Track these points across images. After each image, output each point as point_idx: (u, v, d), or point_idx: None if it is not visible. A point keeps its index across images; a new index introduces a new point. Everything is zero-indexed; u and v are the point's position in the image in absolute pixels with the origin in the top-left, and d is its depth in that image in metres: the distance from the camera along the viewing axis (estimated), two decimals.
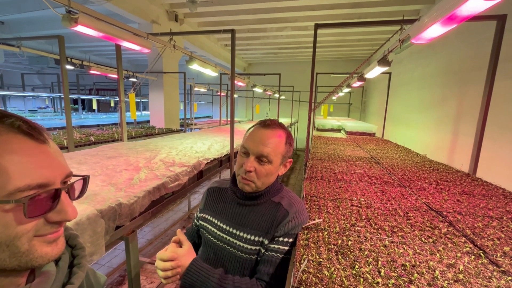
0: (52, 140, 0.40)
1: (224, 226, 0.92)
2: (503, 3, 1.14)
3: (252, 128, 0.93)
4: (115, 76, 4.76)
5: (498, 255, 0.81)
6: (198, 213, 1.04)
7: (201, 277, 0.77)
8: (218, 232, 0.92)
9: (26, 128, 0.36)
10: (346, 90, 5.92)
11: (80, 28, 1.71)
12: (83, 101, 13.58)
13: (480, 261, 0.77)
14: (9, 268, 0.35)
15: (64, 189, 0.39)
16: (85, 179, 0.44)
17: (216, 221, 0.95)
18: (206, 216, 0.98)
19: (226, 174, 4.59)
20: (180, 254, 0.79)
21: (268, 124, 0.91)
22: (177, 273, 0.78)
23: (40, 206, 0.35)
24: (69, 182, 0.41)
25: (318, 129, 5.42)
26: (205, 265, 0.80)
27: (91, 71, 4.44)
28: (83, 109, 13.49)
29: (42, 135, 0.37)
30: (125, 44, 2.18)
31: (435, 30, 1.48)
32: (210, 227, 0.95)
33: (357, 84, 4.17)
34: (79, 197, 0.44)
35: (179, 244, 0.84)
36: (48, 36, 2.96)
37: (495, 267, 0.74)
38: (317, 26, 2.26)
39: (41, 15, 5.40)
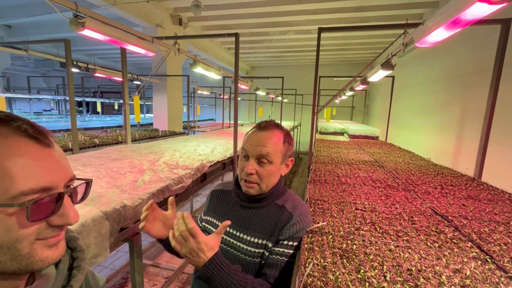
0: (56, 143, 0.40)
1: (228, 229, 0.92)
2: (507, 7, 1.14)
3: (250, 132, 0.94)
4: (120, 79, 4.81)
5: (506, 260, 0.80)
6: (202, 215, 1.05)
7: (221, 271, 0.70)
8: (222, 235, 0.93)
9: (32, 131, 0.36)
10: (349, 93, 5.92)
11: (87, 32, 1.74)
12: (87, 103, 13.71)
13: (487, 267, 0.76)
14: (9, 271, 0.35)
15: (67, 193, 0.39)
16: (88, 183, 0.44)
17: (219, 224, 0.95)
18: (210, 219, 0.99)
19: (229, 177, 4.59)
20: (206, 239, 0.71)
21: (264, 126, 0.92)
22: (190, 250, 0.68)
23: (42, 210, 0.35)
24: (72, 186, 0.41)
25: (321, 132, 5.41)
26: (226, 260, 0.73)
27: (96, 74, 4.49)
28: (88, 111, 13.61)
29: (47, 139, 0.38)
30: (131, 47, 2.21)
31: (439, 34, 1.48)
32: (214, 229, 0.96)
33: (360, 87, 4.17)
34: (81, 200, 0.43)
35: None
36: (54, 40, 3.00)
37: (502, 273, 0.73)
38: (321, 30, 2.27)
39: (47, 19, 5.48)
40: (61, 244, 0.40)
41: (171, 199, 0.87)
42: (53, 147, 0.38)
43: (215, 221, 0.97)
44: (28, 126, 0.36)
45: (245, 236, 0.88)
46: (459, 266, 0.76)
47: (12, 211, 0.33)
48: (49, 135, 0.38)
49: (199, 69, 3.26)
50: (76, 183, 0.42)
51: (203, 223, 1.00)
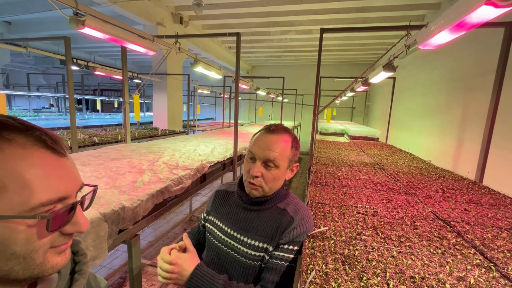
0: (68, 151, 0.41)
1: (229, 230, 0.91)
2: (511, 10, 1.12)
3: (258, 134, 0.92)
4: (120, 77, 4.79)
5: (510, 268, 0.79)
6: (205, 214, 1.04)
7: (205, 282, 0.76)
8: (223, 236, 0.92)
9: (50, 142, 0.36)
10: (350, 94, 5.90)
11: (87, 31, 1.72)
12: (87, 101, 13.67)
13: (491, 275, 0.75)
14: (20, 279, 0.35)
15: (79, 202, 0.40)
16: (94, 190, 0.45)
17: (221, 225, 0.94)
18: (212, 219, 0.98)
19: (229, 177, 4.58)
20: (183, 259, 0.79)
21: (273, 129, 0.91)
22: (171, 278, 0.78)
23: (59, 220, 0.36)
24: (79, 193, 0.42)
25: (321, 133, 5.40)
26: (209, 270, 0.80)
27: (96, 72, 4.47)
28: (87, 109, 13.57)
29: (62, 148, 0.38)
30: (131, 46, 2.19)
31: (443, 37, 1.46)
32: (215, 230, 0.95)
33: (361, 88, 4.15)
34: (88, 207, 0.44)
35: (184, 249, 0.84)
36: (54, 37, 2.98)
37: (507, 281, 0.72)
38: (323, 31, 2.25)
39: (47, 16, 5.45)
40: (68, 250, 0.41)
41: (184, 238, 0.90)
42: (66, 156, 0.39)
43: (217, 221, 0.96)
44: (46, 136, 0.36)
45: (245, 239, 0.87)
46: (463, 273, 0.74)
47: (32, 223, 0.34)
48: (63, 144, 0.39)
49: (199, 69, 3.24)
50: (83, 190, 0.43)
51: (207, 224, 1.00)
